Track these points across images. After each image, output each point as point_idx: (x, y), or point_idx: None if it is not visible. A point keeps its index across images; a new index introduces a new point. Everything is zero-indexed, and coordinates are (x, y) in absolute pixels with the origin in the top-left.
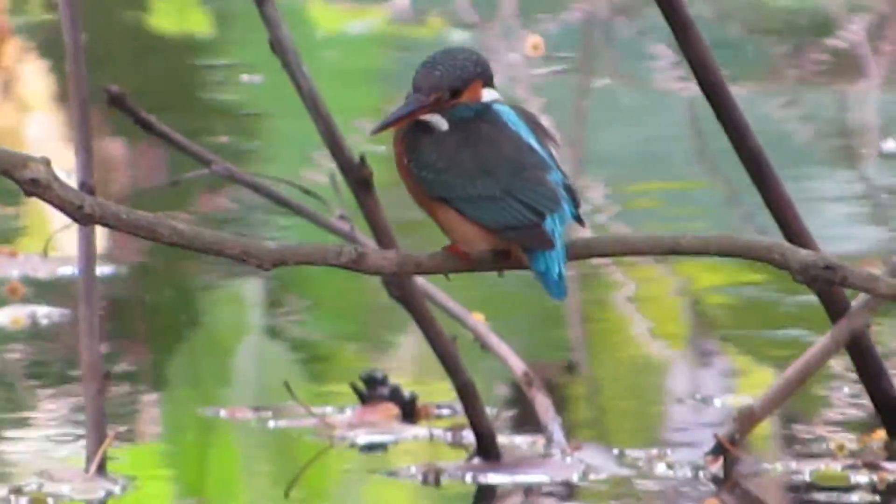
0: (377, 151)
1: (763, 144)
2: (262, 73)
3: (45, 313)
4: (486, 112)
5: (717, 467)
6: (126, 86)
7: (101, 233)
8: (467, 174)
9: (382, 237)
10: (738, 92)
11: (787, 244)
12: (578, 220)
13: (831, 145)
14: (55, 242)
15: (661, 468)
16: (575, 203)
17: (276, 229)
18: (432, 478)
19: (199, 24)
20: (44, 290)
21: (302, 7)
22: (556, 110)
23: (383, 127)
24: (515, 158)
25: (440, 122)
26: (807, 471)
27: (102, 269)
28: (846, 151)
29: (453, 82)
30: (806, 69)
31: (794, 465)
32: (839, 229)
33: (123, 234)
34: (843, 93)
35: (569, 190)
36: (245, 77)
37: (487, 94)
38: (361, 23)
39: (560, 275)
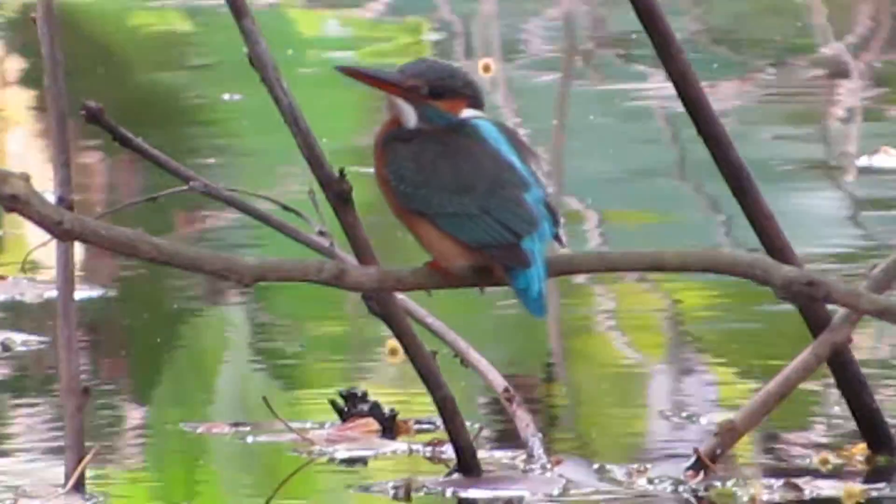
0: (363, 172)
1: (745, 156)
2: (243, 92)
3: (23, 339)
4: (463, 126)
5: (697, 482)
6: (106, 100)
7: (79, 255)
8: (445, 189)
9: (362, 253)
10: (719, 105)
11: (769, 260)
12: (558, 238)
13: (811, 158)
14: (36, 263)
15: (641, 483)
16: (555, 221)
17: (258, 247)
18: (402, 492)
19: (180, 25)
20: (27, 315)
21: (281, 12)
22: (535, 120)
23: (351, 72)
24: (494, 175)
25: (409, 115)
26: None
27: (81, 293)
28: (826, 165)
29: (436, 81)
30: (787, 83)
31: (774, 480)
32: (820, 240)
33: (102, 257)
34: (824, 107)
35: (549, 208)
36: (226, 96)
37: (469, 113)
38: (340, 26)
39: (540, 293)
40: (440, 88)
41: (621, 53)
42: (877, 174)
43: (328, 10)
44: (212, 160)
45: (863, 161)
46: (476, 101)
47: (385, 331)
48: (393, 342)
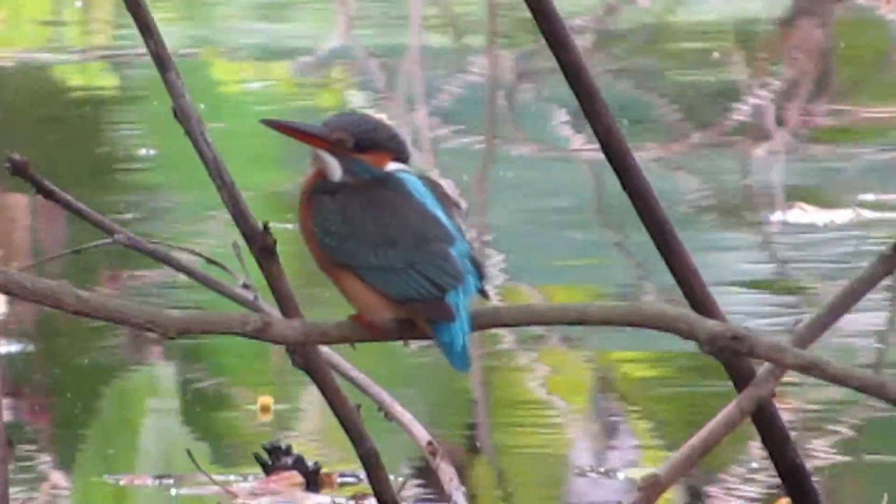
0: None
1: (667, 208)
2: (158, 146)
3: None
4: (388, 179)
5: None
6: (32, 152)
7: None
8: (370, 243)
9: (287, 306)
10: (643, 156)
11: (693, 314)
12: (482, 292)
13: (732, 210)
14: None
15: None
16: (479, 275)
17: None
18: None
19: (106, 84)
20: None
21: (203, 64)
22: (459, 175)
23: (276, 125)
24: (419, 229)
25: (334, 168)
26: None
27: (4, 346)
28: (751, 217)
29: (361, 134)
30: (713, 135)
31: None
32: (741, 295)
33: (24, 310)
34: (749, 158)
35: (473, 262)
36: (143, 151)
37: (394, 166)
38: (262, 82)
39: (464, 346)
40: (365, 142)
41: (543, 103)
42: (791, 230)
43: (249, 62)
44: (132, 214)
45: (777, 216)
46: (401, 155)
47: (310, 384)
48: (264, 399)
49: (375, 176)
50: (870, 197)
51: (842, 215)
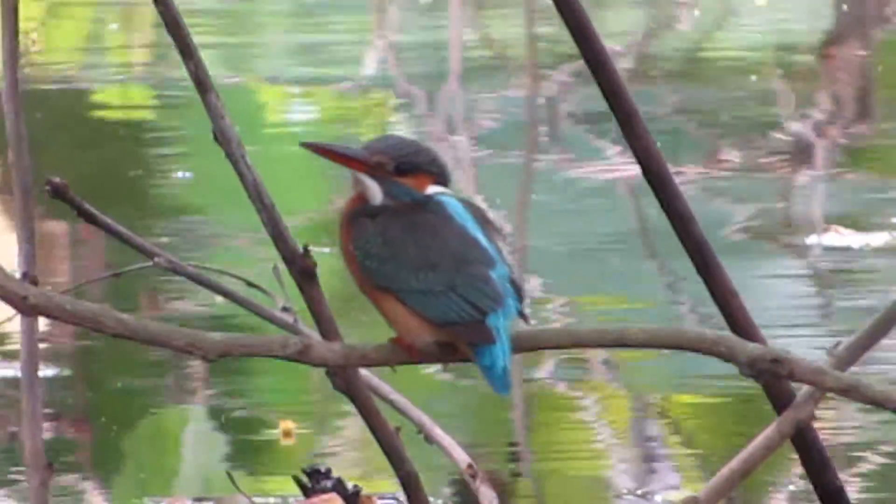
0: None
1: (706, 231)
2: (194, 168)
3: None
4: (429, 203)
5: None
6: (68, 174)
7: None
8: (411, 266)
9: (327, 329)
10: (683, 179)
11: (733, 337)
12: (522, 315)
13: (774, 234)
14: None
15: None
16: (520, 298)
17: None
18: None
19: (144, 111)
20: None
21: (243, 89)
22: (498, 196)
23: (316, 148)
24: (460, 252)
25: (375, 191)
26: None
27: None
28: (788, 241)
29: (401, 158)
30: (752, 159)
31: None
32: (783, 318)
33: (62, 335)
34: (787, 182)
35: (514, 284)
36: (179, 174)
37: (435, 189)
38: (307, 107)
39: (505, 369)
40: (406, 165)
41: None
42: (827, 253)
43: (293, 87)
44: (168, 238)
45: (812, 240)
46: (442, 178)
47: (350, 407)
48: (286, 424)
49: (416, 199)
50: None
51: (877, 238)
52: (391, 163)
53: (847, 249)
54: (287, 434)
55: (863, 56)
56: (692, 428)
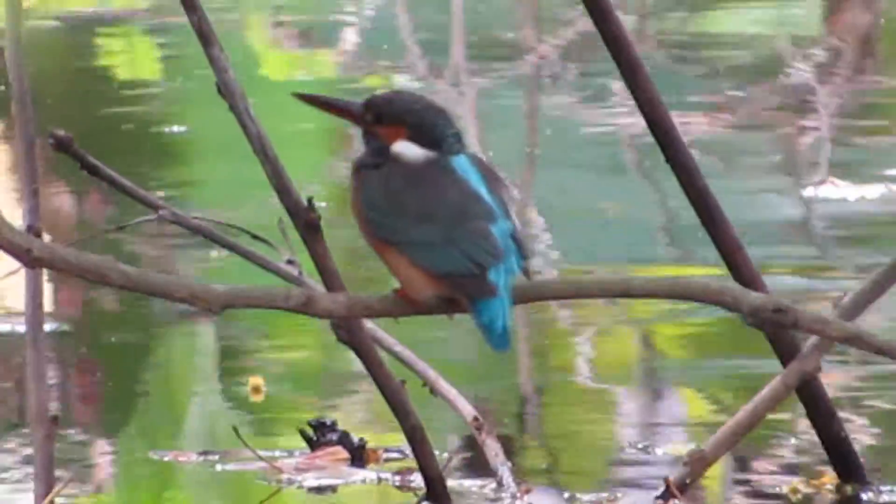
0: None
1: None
2: (187, 124)
3: None
4: (382, 155)
5: None
6: (72, 129)
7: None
8: (411, 218)
9: (331, 282)
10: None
11: (738, 287)
12: (525, 272)
13: (785, 187)
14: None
15: None
16: (522, 254)
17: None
18: None
19: (150, 70)
20: None
21: (250, 52)
22: (503, 147)
23: (308, 98)
24: (460, 206)
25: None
26: None
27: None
28: (781, 192)
29: (377, 107)
30: (752, 110)
31: None
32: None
33: (67, 291)
34: (790, 131)
35: (517, 241)
36: (175, 128)
37: (404, 147)
38: (309, 73)
39: (504, 327)
40: (379, 114)
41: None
42: (823, 205)
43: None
44: (171, 192)
45: (809, 192)
46: (418, 132)
47: (355, 361)
48: (254, 379)
49: (379, 150)
50: None
51: (873, 191)
52: (368, 112)
53: (843, 201)
54: (256, 390)
55: (868, 14)
56: (698, 376)
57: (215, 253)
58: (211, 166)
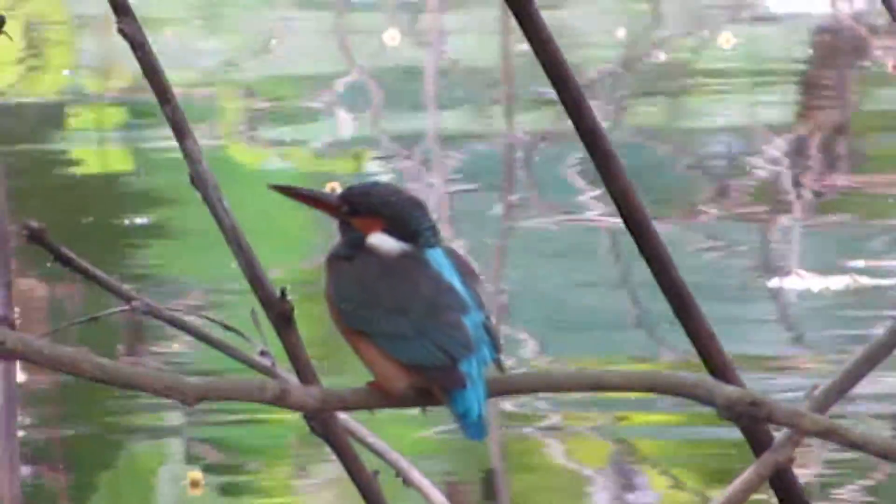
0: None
1: (685, 277)
2: (148, 216)
3: None
4: (357, 246)
5: None
6: (46, 222)
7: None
8: (383, 310)
9: (304, 372)
10: (662, 227)
11: (712, 380)
12: (498, 363)
13: (751, 278)
14: None
15: None
16: (495, 345)
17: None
18: None
19: (121, 164)
20: None
21: (222, 149)
22: (474, 238)
23: (285, 190)
24: (432, 297)
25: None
26: None
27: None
28: (764, 284)
29: (354, 198)
30: (728, 204)
31: None
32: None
33: (36, 378)
34: (764, 227)
35: (489, 332)
36: (145, 220)
37: (379, 239)
38: (282, 160)
39: (479, 416)
40: (356, 205)
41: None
42: (787, 296)
43: (269, 148)
44: (139, 284)
45: (774, 283)
46: (395, 224)
47: (327, 451)
48: (193, 474)
49: (355, 243)
50: (863, 264)
51: (837, 282)
52: (345, 204)
53: (806, 292)
54: (195, 485)
55: (840, 93)
56: (671, 462)
57: (176, 346)
58: (178, 255)
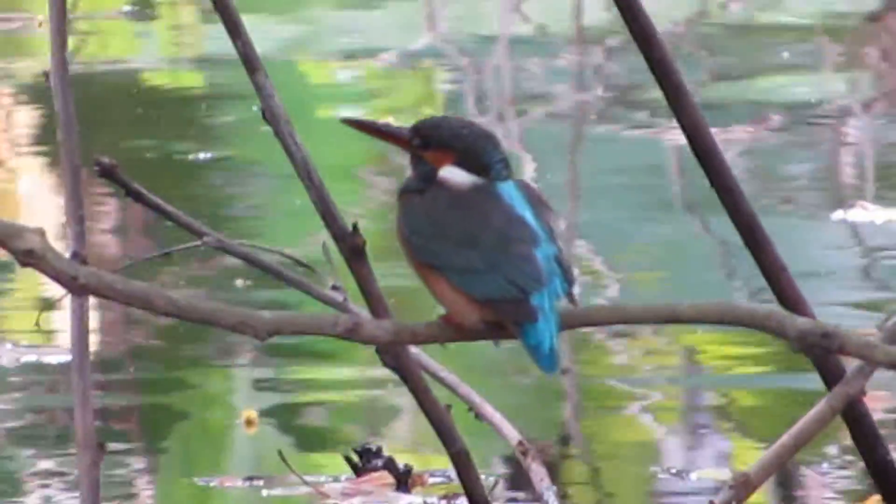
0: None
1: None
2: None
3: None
4: (429, 180)
5: None
6: (116, 153)
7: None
8: (453, 243)
9: (376, 307)
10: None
11: (784, 312)
12: (570, 296)
13: (816, 200)
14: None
15: None
16: (568, 279)
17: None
18: None
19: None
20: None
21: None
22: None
23: (357, 124)
24: (502, 231)
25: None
26: None
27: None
28: (813, 215)
29: (424, 132)
30: (792, 129)
31: None
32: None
33: (112, 322)
34: (821, 152)
35: (561, 265)
36: (201, 154)
37: (451, 173)
38: (351, 72)
39: (551, 349)
40: (427, 139)
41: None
42: (851, 228)
43: (339, 62)
44: (213, 217)
45: (838, 215)
46: (466, 157)
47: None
48: (249, 413)
49: (427, 175)
50: None
51: None
52: (416, 137)
53: (870, 224)
54: (250, 423)
55: None
56: (744, 396)
57: (240, 282)
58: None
